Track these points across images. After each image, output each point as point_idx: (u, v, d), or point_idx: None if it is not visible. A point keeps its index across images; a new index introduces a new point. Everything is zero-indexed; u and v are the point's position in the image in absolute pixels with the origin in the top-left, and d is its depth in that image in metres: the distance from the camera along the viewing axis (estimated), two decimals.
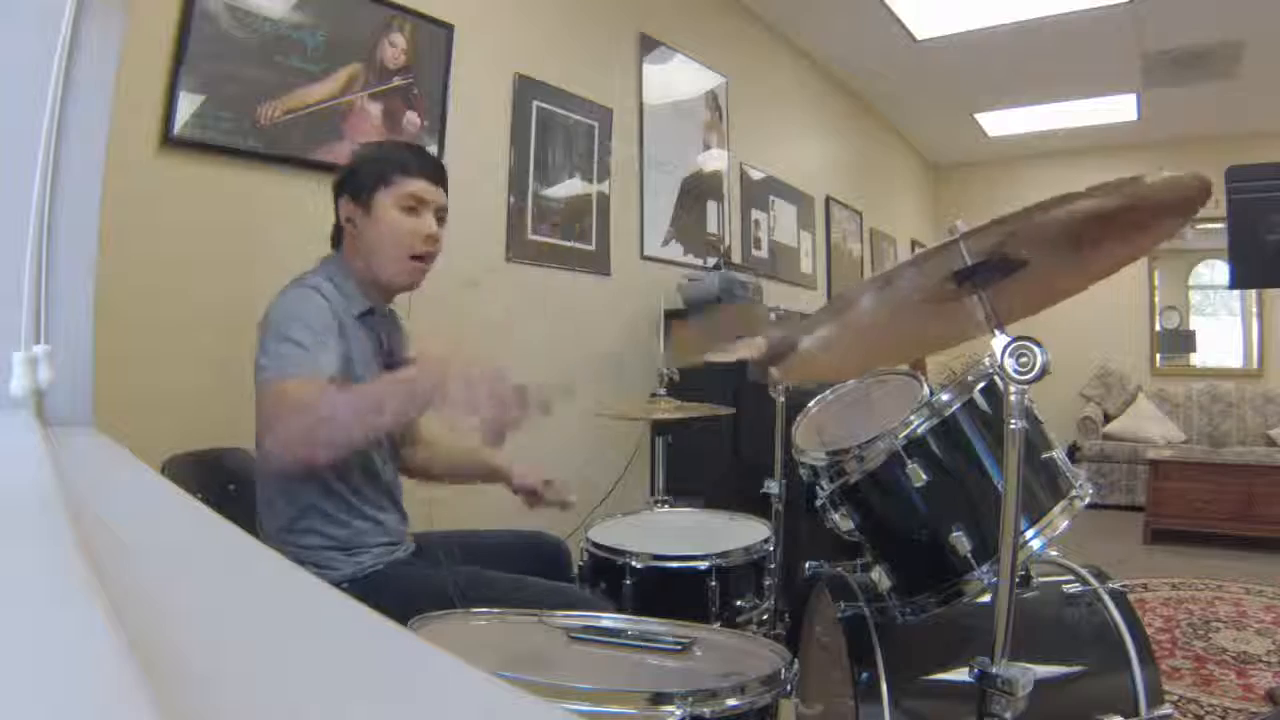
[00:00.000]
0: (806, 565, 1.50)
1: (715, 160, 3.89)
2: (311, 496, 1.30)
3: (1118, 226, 0.97)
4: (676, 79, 3.64)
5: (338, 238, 1.44)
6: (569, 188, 3.01)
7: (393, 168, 1.35)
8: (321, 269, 1.39)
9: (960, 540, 1.10)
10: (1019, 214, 0.87)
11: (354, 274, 1.39)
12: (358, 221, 1.37)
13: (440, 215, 1.40)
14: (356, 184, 1.37)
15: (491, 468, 1.63)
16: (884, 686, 1.15)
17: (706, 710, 0.84)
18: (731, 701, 0.86)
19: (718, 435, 2.81)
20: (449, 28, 2.47)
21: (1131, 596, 1.33)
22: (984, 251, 0.94)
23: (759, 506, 1.98)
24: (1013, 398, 0.92)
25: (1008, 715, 0.93)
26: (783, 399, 2.13)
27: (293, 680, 0.32)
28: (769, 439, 2.18)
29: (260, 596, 0.45)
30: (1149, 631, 1.30)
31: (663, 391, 2.13)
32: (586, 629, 1.04)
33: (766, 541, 1.67)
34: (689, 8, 3.79)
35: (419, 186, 1.36)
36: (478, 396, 1.04)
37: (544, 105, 2.89)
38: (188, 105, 1.82)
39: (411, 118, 2.36)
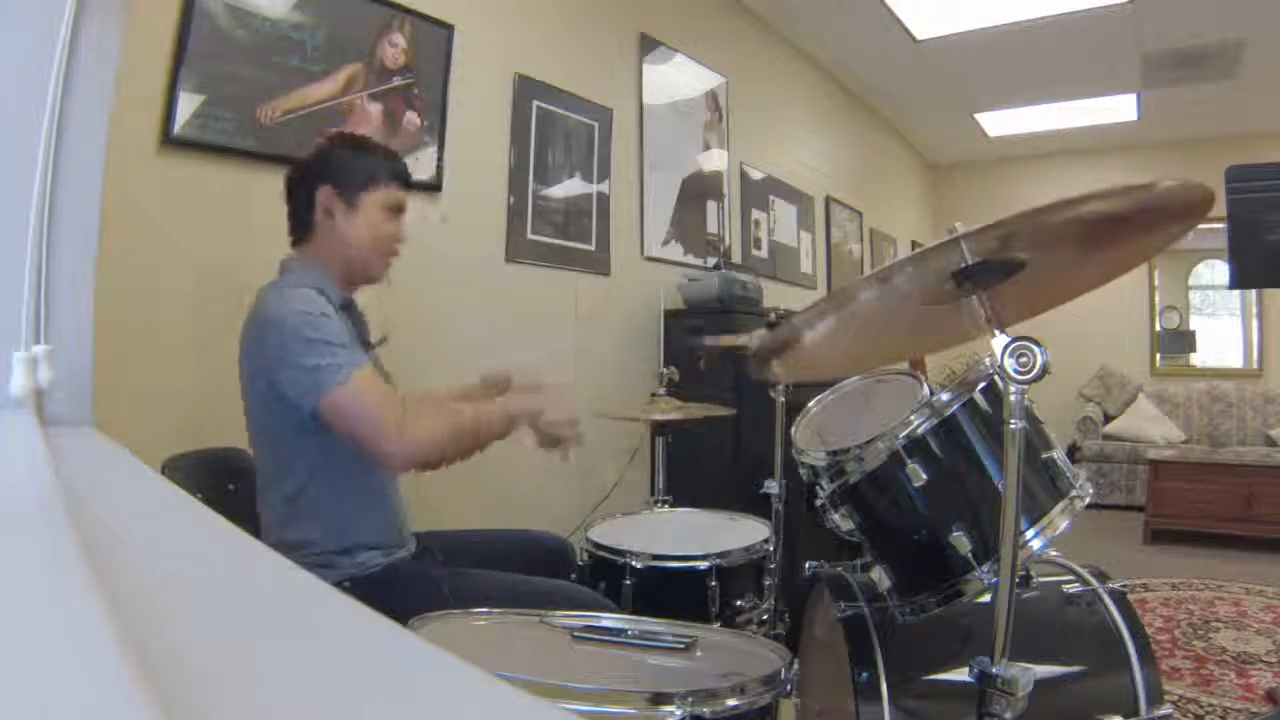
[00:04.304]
0: (806, 565, 1.50)
1: (715, 160, 3.89)
2: (317, 500, 1.30)
3: (1120, 231, 0.97)
4: (676, 79, 3.64)
5: (303, 232, 1.41)
6: (569, 188, 3.01)
7: (385, 173, 1.39)
8: (293, 272, 1.37)
9: (960, 540, 1.10)
10: (1023, 215, 0.87)
11: (328, 267, 1.38)
12: (337, 214, 1.37)
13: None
14: (343, 177, 1.37)
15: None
16: (884, 686, 1.15)
17: (706, 710, 0.84)
18: (731, 701, 0.86)
19: (718, 435, 2.81)
20: (449, 28, 2.47)
21: (1131, 596, 1.33)
22: (986, 252, 0.94)
23: (759, 506, 1.99)
24: (1013, 398, 0.92)
25: (1008, 715, 0.93)
26: (783, 399, 2.13)
27: (293, 680, 0.32)
28: (769, 439, 2.18)
29: (260, 596, 0.45)
30: (1149, 631, 1.30)
31: (663, 391, 2.13)
32: (588, 629, 1.05)
33: (766, 541, 1.67)
34: (689, 8, 3.79)
35: (403, 197, 1.42)
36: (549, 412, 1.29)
37: (544, 105, 2.89)
38: (188, 105, 1.82)
39: (411, 118, 2.36)
